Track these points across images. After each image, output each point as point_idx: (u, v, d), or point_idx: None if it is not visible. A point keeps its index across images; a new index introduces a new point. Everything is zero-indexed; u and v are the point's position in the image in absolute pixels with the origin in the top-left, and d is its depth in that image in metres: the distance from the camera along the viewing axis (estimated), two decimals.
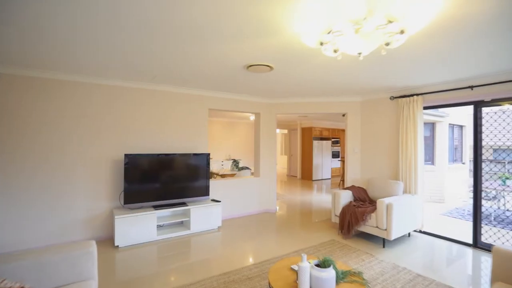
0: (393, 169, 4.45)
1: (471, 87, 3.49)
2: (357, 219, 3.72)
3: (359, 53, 1.87)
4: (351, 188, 4.36)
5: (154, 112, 4.17)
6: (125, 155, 3.66)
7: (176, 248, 3.54)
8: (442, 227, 4.56)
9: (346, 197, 4.15)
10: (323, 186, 8.83)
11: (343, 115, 7.28)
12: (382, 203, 3.48)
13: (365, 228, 3.70)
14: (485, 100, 3.49)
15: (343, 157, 11.35)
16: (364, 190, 4.35)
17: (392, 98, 4.45)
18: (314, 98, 5.16)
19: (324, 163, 10.46)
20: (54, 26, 2.10)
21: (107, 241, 3.70)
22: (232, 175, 6.45)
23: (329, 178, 10.63)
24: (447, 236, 3.94)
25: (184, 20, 2.00)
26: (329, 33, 1.82)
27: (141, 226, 3.61)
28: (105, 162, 3.79)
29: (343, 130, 11.47)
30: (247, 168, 6.84)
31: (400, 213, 3.49)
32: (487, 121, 3.78)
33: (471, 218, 5.49)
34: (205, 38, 2.31)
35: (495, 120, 3.88)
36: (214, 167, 8.57)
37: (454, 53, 2.61)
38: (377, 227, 3.54)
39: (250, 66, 3.06)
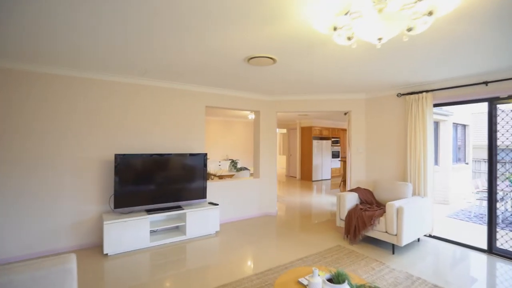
0: (400, 170, 4.23)
1: (486, 82, 3.28)
2: (364, 224, 3.49)
3: (379, 39, 1.63)
4: (357, 190, 4.14)
5: (147, 109, 3.90)
6: (116, 155, 3.39)
7: (171, 255, 3.28)
8: (450, 230, 4.35)
9: (351, 199, 3.92)
10: (324, 187, 8.61)
11: (345, 114, 7.07)
12: (391, 206, 3.25)
13: (373, 233, 3.47)
14: (501, 96, 3.28)
15: (343, 157, 11.16)
16: (370, 192, 4.13)
17: (400, 95, 4.23)
18: (317, 95, 4.93)
19: (324, 163, 10.25)
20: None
21: (95, 248, 3.43)
22: (230, 176, 6.20)
23: (329, 179, 10.42)
24: (458, 241, 3.73)
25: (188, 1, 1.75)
26: (346, 14, 1.58)
27: (132, 232, 3.34)
28: (94, 162, 3.51)
29: (343, 130, 11.27)
30: (245, 168, 6.59)
31: (411, 217, 3.26)
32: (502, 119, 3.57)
33: (478, 221, 5.32)
34: (208, 24, 2.05)
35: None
36: (211, 167, 8.31)
37: (471, 43, 2.38)
38: (386, 232, 3.31)
39: (252, 58, 2.81)
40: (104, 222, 3.16)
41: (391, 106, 4.40)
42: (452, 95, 3.67)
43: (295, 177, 10.69)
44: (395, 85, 4.11)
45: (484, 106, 3.49)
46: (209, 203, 4.18)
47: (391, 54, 2.68)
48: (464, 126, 8.02)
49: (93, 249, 3.41)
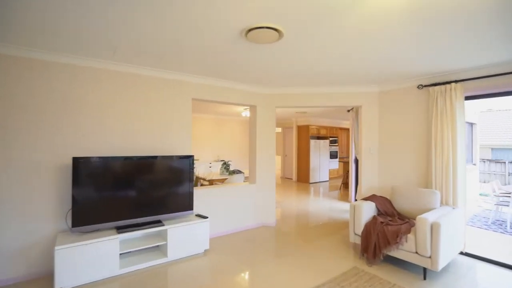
0: (421, 175, 3.63)
1: None
2: (387, 241, 2.85)
3: None
4: (373, 198, 3.50)
5: (119, 102, 3.14)
6: (74, 158, 2.63)
7: (146, 284, 2.56)
8: (475, 243, 3.77)
9: (368, 210, 3.28)
10: (323, 190, 7.98)
11: (348, 111, 6.47)
12: (424, 222, 2.61)
13: (397, 253, 2.84)
14: None
15: (341, 158, 10.61)
16: (388, 201, 3.50)
17: (421, 87, 3.62)
18: (323, 88, 4.27)
19: (321, 164, 9.64)
20: None
21: (48, 279, 2.66)
22: (222, 181, 5.49)
23: (327, 181, 9.82)
24: (496, 259, 3.13)
25: None
26: None
27: (96, 257, 2.59)
28: (46, 168, 2.73)
29: (341, 129, 10.72)
30: (239, 171, 5.89)
31: (447, 235, 2.64)
32: None
33: (498, 229, 4.78)
34: None
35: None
36: (200, 170, 7.57)
37: None
38: (417, 253, 2.67)
39: (251, 30, 2.11)
40: (56, 248, 2.40)
41: (410, 100, 3.78)
42: (487, 85, 3.07)
43: (291, 179, 10.05)
44: (415, 75, 3.50)
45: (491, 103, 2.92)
46: (196, 215, 3.46)
47: (428, 25, 2.03)
48: (471, 124, 7.55)
49: (44, 280, 2.63)
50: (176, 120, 3.56)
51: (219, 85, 3.92)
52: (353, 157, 6.31)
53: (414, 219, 3.20)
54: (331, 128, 10.16)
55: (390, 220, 3.11)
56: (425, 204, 3.15)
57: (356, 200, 6.03)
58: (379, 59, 2.83)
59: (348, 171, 8.03)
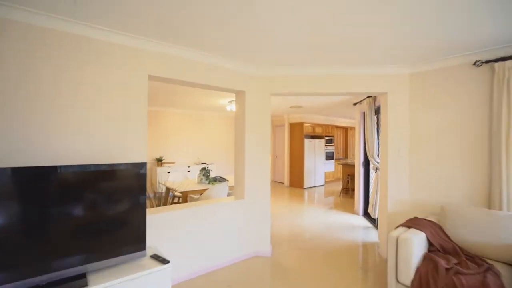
0: (480, 187, 2.56)
1: None
2: None
3: None
4: (418, 224, 2.36)
5: (18, 77, 1.84)
6: None
7: None
8: None
9: (419, 246, 2.15)
10: (322, 198, 6.88)
11: (355, 104, 5.39)
12: None
13: None
14: None
15: (337, 159, 9.63)
16: (441, 229, 2.39)
17: (479, 63, 2.55)
18: (332, 68, 3.13)
19: (317, 166, 8.57)
20: None
21: None
22: (200, 192, 4.22)
23: (323, 185, 8.76)
24: None
25: None
26: None
27: None
28: None
29: (337, 127, 9.71)
30: (222, 179, 4.65)
31: None
32: None
33: None
34: None
35: None
36: (173, 177, 6.23)
37: None
38: None
39: None
40: None
41: (461, 82, 2.72)
42: None
43: (283, 183, 8.91)
44: (469, 46, 2.43)
45: None
46: (152, 257, 2.20)
47: None
48: None
49: None
50: (121, 107, 2.29)
51: (191, 57, 2.68)
52: (361, 160, 5.25)
53: (490, 259, 2.12)
54: (327, 126, 9.12)
55: (456, 264, 2.00)
56: (506, 236, 2.07)
57: (367, 212, 4.98)
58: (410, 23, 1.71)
59: (349, 175, 7.01)
